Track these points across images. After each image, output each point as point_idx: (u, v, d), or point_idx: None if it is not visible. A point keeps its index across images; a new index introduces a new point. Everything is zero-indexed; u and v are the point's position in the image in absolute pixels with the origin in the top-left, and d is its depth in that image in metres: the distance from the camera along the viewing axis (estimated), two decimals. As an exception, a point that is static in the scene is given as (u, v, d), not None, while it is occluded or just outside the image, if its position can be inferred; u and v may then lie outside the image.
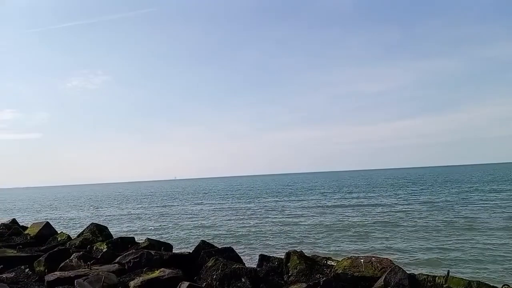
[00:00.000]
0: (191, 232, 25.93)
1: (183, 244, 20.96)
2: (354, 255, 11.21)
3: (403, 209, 32.44)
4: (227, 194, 72.14)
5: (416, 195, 46.77)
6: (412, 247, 17.50)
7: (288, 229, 24.80)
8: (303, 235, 22.15)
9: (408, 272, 7.87)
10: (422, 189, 59.31)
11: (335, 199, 47.10)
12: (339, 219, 28.35)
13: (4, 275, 9.50)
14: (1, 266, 10.37)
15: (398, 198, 44.26)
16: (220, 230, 25.91)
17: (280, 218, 30.78)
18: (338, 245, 19.18)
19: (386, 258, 8.89)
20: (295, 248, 12.21)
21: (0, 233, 17.26)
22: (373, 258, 8.66)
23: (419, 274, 8.03)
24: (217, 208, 42.00)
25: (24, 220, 33.94)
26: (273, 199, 51.90)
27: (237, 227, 26.99)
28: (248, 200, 52.47)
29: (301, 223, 27.30)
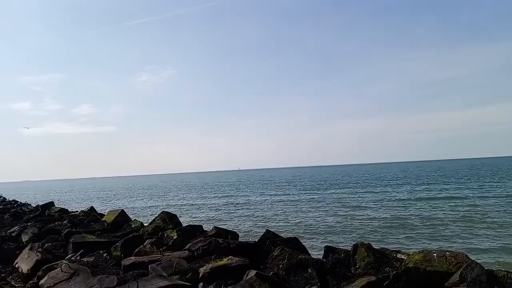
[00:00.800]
0: (255, 221, 26.31)
1: (248, 233, 21.32)
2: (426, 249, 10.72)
3: (480, 203, 30.42)
4: (289, 185, 72.17)
5: (494, 188, 43.61)
6: (492, 246, 16.31)
7: (353, 221, 24.30)
8: (369, 228, 21.59)
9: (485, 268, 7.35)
10: (500, 181, 55.22)
11: (403, 191, 45.29)
12: (408, 212, 27.26)
13: (85, 259, 10.24)
14: (82, 250, 11.18)
15: (473, 190, 41.61)
16: (283, 221, 26.02)
17: (345, 210, 30.23)
18: (407, 239, 18.47)
19: (462, 253, 8.36)
20: (361, 241, 11.94)
21: (80, 220, 18.64)
22: (447, 253, 8.20)
23: (497, 270, 7.48)
24: (280, 199, 42.18)
25: (101, 208, 36.31)
26: (338, 191, 51.08)
27: (301, 218, 26.93)
28: (312, 191, 52.11)
29: (367, 215, 26.62)
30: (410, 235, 19.43)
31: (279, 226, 23.69)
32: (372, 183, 65.19)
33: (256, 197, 47.52)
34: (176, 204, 42.40)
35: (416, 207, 29.71)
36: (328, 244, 11.29)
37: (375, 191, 47.49)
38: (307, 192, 51.70)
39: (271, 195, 49.50)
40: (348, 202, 35.73)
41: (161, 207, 37.52)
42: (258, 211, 32.39)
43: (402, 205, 31.78)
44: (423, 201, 33.98)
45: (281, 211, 31.30)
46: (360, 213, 27.81)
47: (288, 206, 34.73)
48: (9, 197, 53.72)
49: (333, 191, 51.47)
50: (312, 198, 41.20)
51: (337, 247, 10.81)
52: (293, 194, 49.28)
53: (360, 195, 42.07)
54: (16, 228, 16.49)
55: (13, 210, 27.89)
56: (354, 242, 9.76)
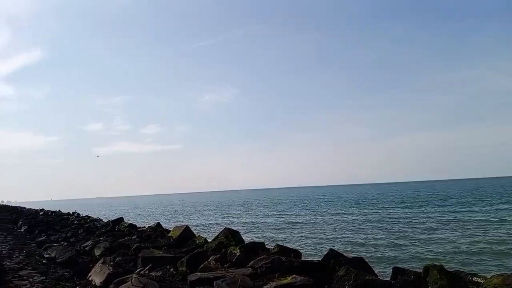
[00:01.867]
0: (317, 240, 25.83)
1: (311, 252, 20.97)
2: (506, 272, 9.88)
3: None
4: (350, 203, 70.33)
5: None
6: None
7: (423, 242, 23.07)
8: (440, 250, 20.36)
9: None
10: None
11: (475, 211, 42.34)
12: (483, 234, 25.36)
13: (153, 273, 10.59)
14: (150, 265, 11.59)
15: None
16: (347, 240, 25.32)
17: (413, 230, 28.78)
18: (482, 263, 17.17)
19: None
20: (433, 262, 11.27)
21: (148, 235, 19.37)
22: (531, 278, 7.51)
23: None
24: (343, 218, 41.11)
25: (167, 223, 37.55)
26: (405, 210, 48.85)
27: (365, 237, 26.06)
28: (374, 210, 50.34)
29: (437, 237, 25.17)
30: (485, 258, 18.07)
31: (342, 245, 23.08)
32: (441, 201, 61.72)
33: (318, 215, 46.74)
34: (238, 221, 42.81)
35: (495, 229, 27.52)
36: (396, 265, 10.77)
37: (445, 210, 44.86)
38: (372, 210, 49.98)
39: (334, 213, 48.43)
40: (416, 222, 34.04)
41: (224, 224, 38.08)
42: (320, 229, 31.82)
43: (477, 226, 29.56)
44: (506, 223, 30.74)
45: (344, 230, 30.51)
46: (429, 234, 26.35)
47: (351, 225, 33.77)
48: (83, 212, 57.15)
49: (400, 209, 49.23)
50: (377, 217, 39.73)
51: (406, 268, 10.30)
52: (356, 213, 47.87)
53: (429, 214, 39.92)
54: (89, 242, 17.49)
55: (86, 225, 29.59)
56: (425, 264, 9.26)
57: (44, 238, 22.08)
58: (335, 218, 40.74)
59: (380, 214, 43.06)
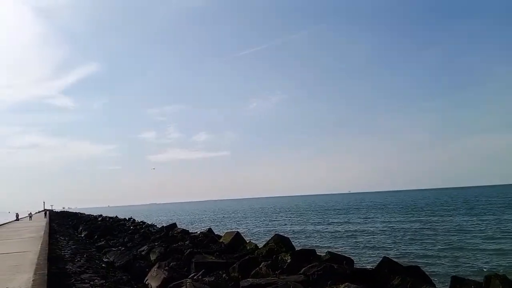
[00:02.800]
0: (370, 248, 25.18)
1: (363, 259, 20.49)
2: None
3: None
4: (405, 209, 67.92)
5: None
6: None
7: (483, 251, 21.86)
8: (500, 261, 19.16)
9: None
10: None
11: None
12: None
13: (206, 278, 10.81)
14: (203, 270, 11.85)
15: None
16: (402, 248, 24.48)
17: (473, 238, 27.33)
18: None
19: None
20: (494, 272, 10.65)
21: (200, 241, 19.81)
22: None
23: None
24: (396, 226, 39.77)
25: (218, 229, 38.11)
26: (463, 217, 46.47)
27: (421, 246, 25.07)
28: (433, 217, 48.26)
29: (499, 247, 23.72)
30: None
31: (396, 253, 22.34)
32: (505, 208, 58.15)
33: (370, 222, 45.57)
34: (288, 227, 42.62)
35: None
36: (454, 275, 10.31)
37: (503, 217, 42.21)
38: (429, 217, 47.89)
39: (387, 221, 46.97)
40: (476, 229, 32.32)
41: (273, 230, 38.05)
42: (372, 236, 30.99)
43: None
44: None
45: (398, 238, 29.50)
46: (490, 243, 24.91)
47: (406, 233, 32.58)
48: (138, 218, 59.34)
49: (459, 217, 46.79)
50: (434, 225, 38.04)
51: (465, 278, 9.83)
52: (412, 220, 46.12)
53: (492, 222, 37.70)
54: (145, 247, 18.15)
55: (142, 231, 30.72)
56: (486, 273, 8.79)
57: (103, 243, 23.17)
58: (389, 225, 39.41)
59: (437, 222, 41.16)
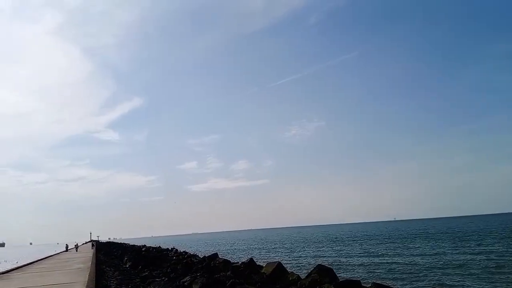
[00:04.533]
0: (416, 280, 24.11)
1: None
2: None
3: None
4: (452, 237, 64.69)
5: None
6: None
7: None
8: None
9: None
10: None
11: None
12: None
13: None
14: (246, 301, 11.80)
15: None
16: (450, 280, 23.26)
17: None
18: None
19: None
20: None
21: (242, 271, 19.74)
22: None
23: None
24: (445, 257, 37.89)
25: (259, 259, 37.77)
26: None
27: (476, 280, 23.71)
28: (495, 246, 45.67)
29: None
30: None
31: (445, 286, 21.27)
32: None
33: (417, 252, 43.69)
34: (330, 258, 41.60)
35: None
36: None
37: None
38: (490, 246, 45.28)
39: (435, 251, 44.89)
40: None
41: (316, 260, 37.25)
42: (418, 268, 29.65)
43: None
44: None
45: (447, 269, 28.08)
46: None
47: (454, 262, 30.97)
48: (180, 248, 59.88)
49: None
50: (494, 256, 35.97)
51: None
52: (461, 250, 43.84)
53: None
54: (187, 278, 18.29)
55: (184, 261, 30.96)
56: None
57: (147, 273, 23.53)
58: (436, 256, 37.57)
59: (496, 252, 38.86)
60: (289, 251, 57.28)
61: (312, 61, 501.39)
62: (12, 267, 31.43)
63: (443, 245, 48.98)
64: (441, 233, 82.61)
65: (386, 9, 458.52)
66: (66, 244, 69.39)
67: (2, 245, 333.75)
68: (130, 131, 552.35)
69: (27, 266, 30.64)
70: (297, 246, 67.83)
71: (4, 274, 23.09)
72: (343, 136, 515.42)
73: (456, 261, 31.54)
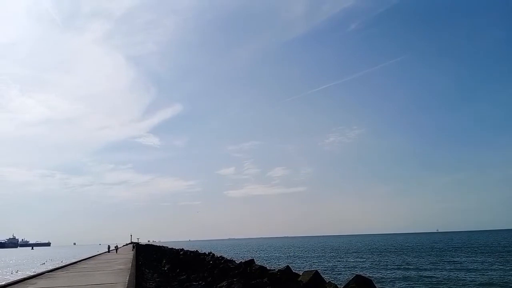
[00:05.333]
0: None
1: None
2: None
3: None
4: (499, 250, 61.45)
5: None
6: None
7: None
8: None
9: None
10: None
11: None
12: None
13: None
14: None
15: None
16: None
17: None
18: None
19: None
20: None
21: (278, 279, 19.60)
22: None
23: None
24: (501, 272, 36.06)
25: (296, 267, 37.41)
26: None
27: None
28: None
29: None
30: None
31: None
32: None
33: (464, 265, 41.89)
34: (368, 268, 40.61)
35: None
36: None
37: None
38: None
39: (484, 268, 42.84)
40: None
41: (354, 270, 36.46)
42: (468, 284, 28.38)
43: None
44: None
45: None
46: None
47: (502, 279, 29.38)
48: (217, 253, 60.34)
49: None
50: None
51: None
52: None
53: None
54: (224, 283, 18.39)
55: (221, 265, 31.16)
56: None
57: (184, 277, 23.88)
58: (482, 271, 35.83)
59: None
60: (327, 260, 56.40)
61: (353, 67, 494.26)
62: (57, 266, 32.82)
63: (489, 260, 46.59)
64: (488, 246, 78.76)
65: (431, 14, 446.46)
66: (108, 245, 71.63)
67: (48, 244, 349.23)
68: (171, 137, 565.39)
69: (70, 266, 31.87)
70: (335, 255, 66.72)
71: (50, 273, 24.13)
72: (384, 145, 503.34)
73: (504, 278, 29.92)
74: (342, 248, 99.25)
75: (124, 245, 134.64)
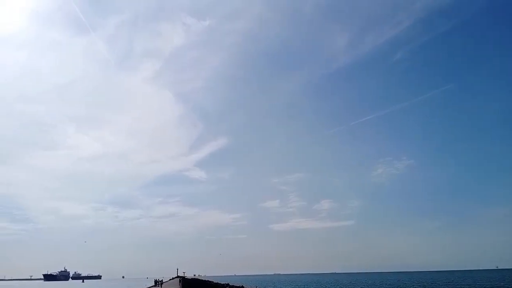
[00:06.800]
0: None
1: None
2: None
3: None
4: None
5: None
6: None
7: None
8: None
9: None
10: None
11: None
12: None
13: None
14: None
15: None
16: None
17: None
18: None
19: None
20: None
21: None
22: None
23: None
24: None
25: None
26: None
27: None
28: None
29: None
30: None
31: None
32: None
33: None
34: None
35: None
36: None
37: None
38: None
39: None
40: None
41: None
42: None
43: None
44: None
45: None
46: None
47: None
48: (263, 289, 59.45)
49: None
50: None
51: None
52: None
53: None
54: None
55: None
56: None
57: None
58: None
59: None
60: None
61: (399, 97, 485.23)
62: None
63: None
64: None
65: (479, 42, 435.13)
66: (155, 280, 72.79)
67: (99, 277, 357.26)
68: (216, 170, 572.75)
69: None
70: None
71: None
72: (436, 176, 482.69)
73: None
74: (393, 286, 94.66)
75: (170, 279, 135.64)
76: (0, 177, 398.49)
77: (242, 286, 69.48)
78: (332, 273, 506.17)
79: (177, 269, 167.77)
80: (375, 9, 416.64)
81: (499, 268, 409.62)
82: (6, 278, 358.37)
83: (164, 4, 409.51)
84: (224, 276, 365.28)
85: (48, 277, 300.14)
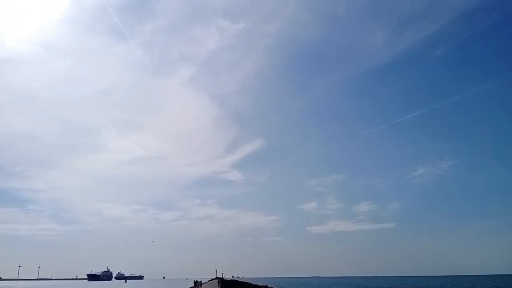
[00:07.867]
0: None
1: None
2: None
3: None
4: None
5: None
6: None
7: None
8: None
9: None
10: None
11: None
12: None
13: None
14: None
15: None
16: None
17: None
18: None
19: None
20: None
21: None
22: None
23: None
24: None
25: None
26: None
27: None
28: None
29: None
30: None
31: None
32: None
33: None
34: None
35: None
36: None
37: None
38: None
39: None
40: None
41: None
42: None
43: None
44: None
45: None
46: None
47: None
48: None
49: None
50: None
51: None
52: None
53: None
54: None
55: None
56: None
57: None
58: None
59: None
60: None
61: (440, 94, 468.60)
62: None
63: None
64: None
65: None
66: (195, 280, 73.37)
67: (141, 277, 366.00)
68: (252, 171, 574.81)
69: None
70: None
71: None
72: (482, 177, 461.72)
73: None
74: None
75: (209, 280, 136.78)
76: (49, 182, 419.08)
77: (281, 288, 68.68)
78: (373, 276, 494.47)
79: (216, 270, 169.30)
80: (413, 5, 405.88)
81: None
82: (52, 278, 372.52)
83: (199, 8, 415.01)
84: (262, 278, 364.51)
85: (91, 277, 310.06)
